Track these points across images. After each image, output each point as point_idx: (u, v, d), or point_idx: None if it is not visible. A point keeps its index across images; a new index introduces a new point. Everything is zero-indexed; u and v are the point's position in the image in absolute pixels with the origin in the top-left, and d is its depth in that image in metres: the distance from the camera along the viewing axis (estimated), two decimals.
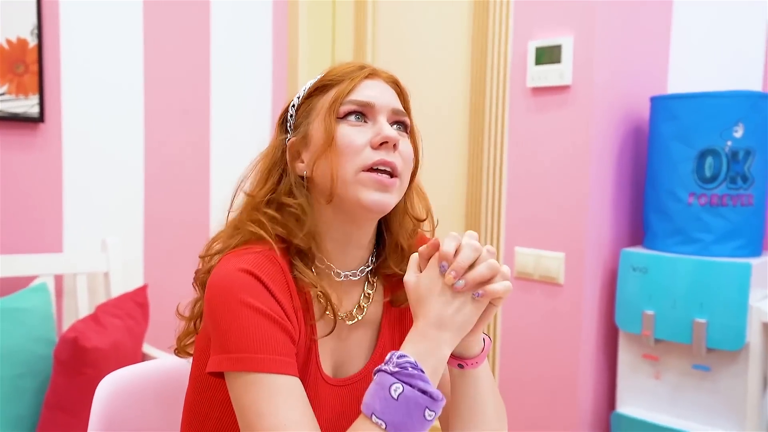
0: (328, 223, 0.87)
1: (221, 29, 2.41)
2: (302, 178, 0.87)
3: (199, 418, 0.90)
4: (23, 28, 1.92)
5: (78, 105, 2.09)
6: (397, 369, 0.71)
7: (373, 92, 0.85)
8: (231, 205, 0.90)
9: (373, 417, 0.70)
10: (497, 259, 0.79)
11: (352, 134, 0.83)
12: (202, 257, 0.90)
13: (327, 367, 0.88)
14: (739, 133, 1.67)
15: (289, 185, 0.86)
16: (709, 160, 1.70)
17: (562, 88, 1.83)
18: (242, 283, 0.77)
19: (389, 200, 0.83)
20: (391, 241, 0.92)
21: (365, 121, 0.84)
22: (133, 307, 1.94)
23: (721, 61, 1.94)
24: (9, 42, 1.90)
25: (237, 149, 2.42)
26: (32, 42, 1.94)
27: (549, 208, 1.88)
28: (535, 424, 1.92)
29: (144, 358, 1.96)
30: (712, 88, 1.86)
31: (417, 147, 0.92)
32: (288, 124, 0.90)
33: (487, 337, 0.86)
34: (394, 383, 0.70)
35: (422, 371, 0.72)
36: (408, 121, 0.89)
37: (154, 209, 2.28)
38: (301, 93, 0.90)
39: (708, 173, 1.70)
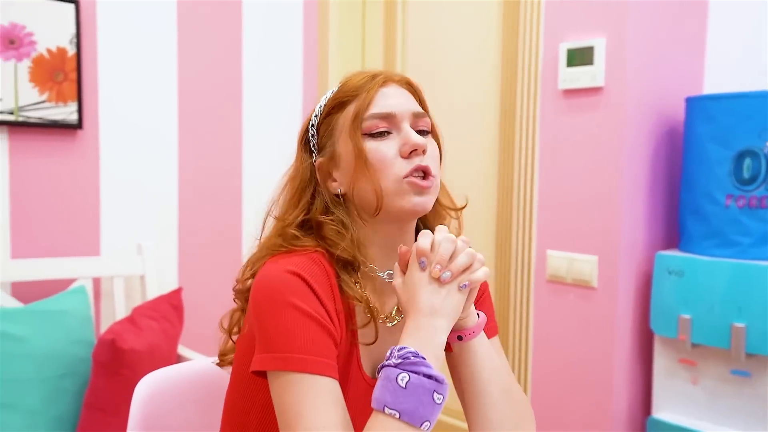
0: (371, 232, 0.89)
1: (253, 33, 2.44)
2: (337, 195, 0.89)
3: (240, 419, 0.91)
4: (62, 38, 1.98)
5: (114, 112, 2.14)
6: (400, 360, 0.74)
7: (392, 101, 0.87)
8: (263, 228, 0.92)
9: (386, 409, 0.72)
10: (483, 258, 0.84)
11: (382, 149, 0.85)
12: (237, 281, 0.92)
13: (368, 368, 0.89)
14: None
15: (324, 205, 0.89)
16: (747, 162, 1.67)
17: (594, 90, 1.81)
18: (288, 284, 0.79)
19: (429, 201, 0.87)
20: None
21: (390, 132, 0.86)
22: (168, 310, 1.98)
23: (759, 60, 1.91)
24: (49, 51, 1.96)
25: (269, 152, 2.45)
26: (71, 51, 1.99)
27: (581, 211, 1.86)
28: (568, 423, 1.90)
29: (179, 359, 2.00)
30: (750, 88, 1.82)
31: (439, 142, 0.94)
32: (311, 144, 0.92)
33: (481, 313, 0.89)
34: (399, 374, 0.73)
35: (424, 358, 0.74)
36: (429, 120, 0.91)
37: (188, 214, 2.32)
38: (318, 111, 0.92)
39: (746, 175, 1.67)
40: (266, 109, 2.49)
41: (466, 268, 0.81)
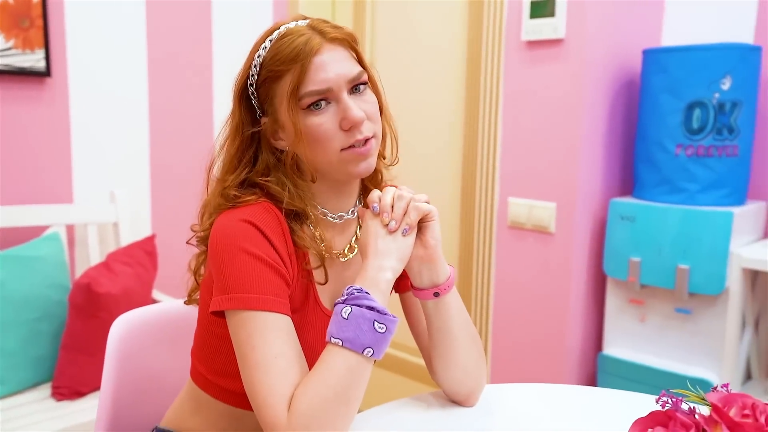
0: (318, 185, 0.95)
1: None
2: (283, 151, 0.94)
3: (209, 356, 0.99)
4: None
5: (83, 58, 2.13)
6: (346, 297, 0.83)
7: (327, 72, 0.87)
8: (207, 188, 0.97)
9: (332, 339, 0.81)
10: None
11: (321, 122, 0.88)
12: (193, 229, 0.99)
13: (326, 301, 0.97)
14: (726, 85, 1.71)
15: (265, 164, 0.93)
16: (697, 112, 1.74)
17: (555, 42, 1.86)
18: (241, 231, 0.86)
19: (372, 163, 0.92)
20: (373, 180, 1.03)
21: (328, 102, 0.88)
22: (142, 255, 2.03)
23: (714, 13, 1.97)
24: None
25: None
26: None
27: (542, 160, 1.94)
28: (526, 365, 2.03)
29: (153, 303, 2.06)
30: (706, 41, 1.89)
31: (378, 93, 0.96)
32: (253, 102, 0.94)
33: (451, 266, 0.96)
34: (344, 307, 0.82)
35: (367, 293, 0.83)
36: (366, 76, 0.92)
37: (159, 161, 2.35)
38: (254, 70, 0.91)
39: (695, 125, 1.75)
40: (236, 52, 2.49)
41: (405, 212, 0.89)
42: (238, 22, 2.49)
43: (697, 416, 0.66)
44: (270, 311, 0.84)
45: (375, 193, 0.91)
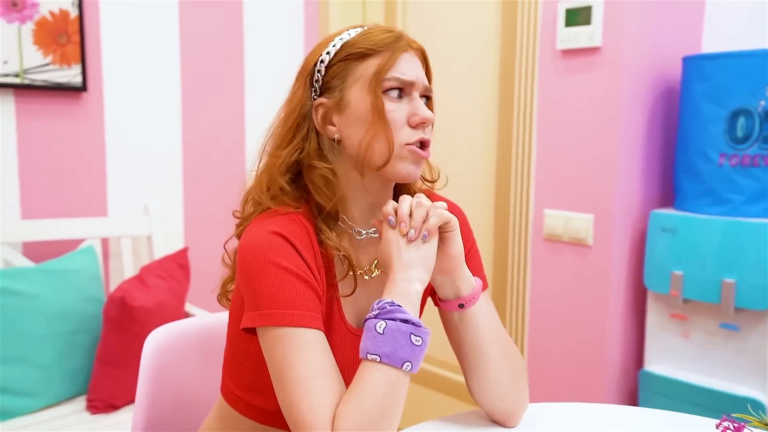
0: (356, 187, 0.92)
1: (254, 7, 2.44)
2: (332, 140, 0.91)
3: (237, 371, 0.97)
4: (64, 0, 1.99)
5: (118, 73, 2.16)
6: (378, 311, 0.80)
7: (412, 69, 0.90)
8: (260, 160, 0.95)
9: (368, 355, 0.78)
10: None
11: (395, 110, 0.88)
12: (237, 217, 0.96)
13: (351, 319, 0.94)
14: None
15: (317, 147, 0.91)
16: (741, 121, 1.69)
17: (592, 50, 1.82)
18: (271, 244, 0.84)
19: (419, 171, 0.92)
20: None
21: (401, 96, 0.90)
22: (175, 268, 2.03)
23: (757, 19, 1.91)
24: (52, 14, 1.97)
25: (271, 111, 2.47)
26: (73, 13, 2.01)
27: (578, 171, 1.89)
28: (564, 382, 1.97)
29: (186, 316, 2.06)
30: (748, 47, 1.83)
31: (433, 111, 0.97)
32: (314, 81, 0.92)
33: (477, 279, 0.93)
34: (377, 322, 0.79)
35: (399, 306, 0.80)
36: (432, 94, 0.95)
37: (192, 174, 2.36)
38: (332, 50, 0.91)
39: (740, 133, 1.69)
40: (269, 69, 2.51)
41: (424, 220, 0.86)
42: (269, 36, 2.50)
43: None
44: (305, 327, 0.81)
45: (390, 205, 0.88)
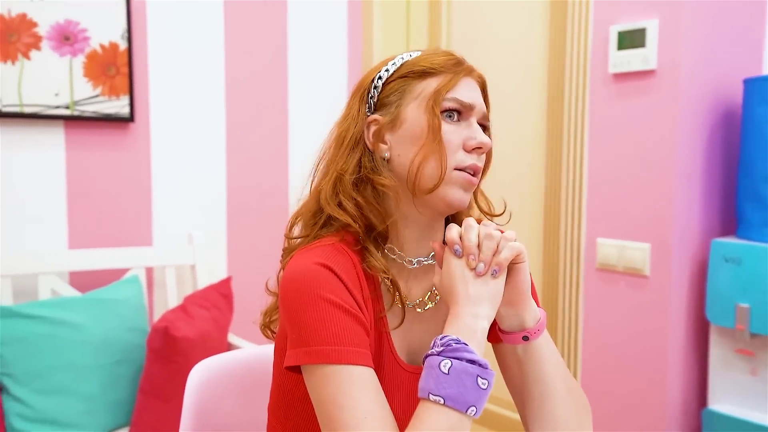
0: (406, 211, 0.88)
1: (298, 30, 2.45)
2: (383, 159, 0.87)
3: (283, 412, 0.92)
4: (114, 33, 2.02)
5: (164, 105, 2.18)
6: (442, 348, 0.74)
7: (472, 94, 0.87)
8: (313, 176, 0.92)
9: (430, 396, 0.72)
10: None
11: (451, 132, 0.85)
12: (286, 236, 0.93)
13: (402, 354, 0.89)
14: None
15: (372, 164, 0.87)
16: None
17: (646, 73, 1.76)
18: (316, 276, 0.79)
19: (468, 198, 0.87)
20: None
21: (461, 118, 0.87)
22: (218, 298, 2.01)
23: None
24: (102, 46, 2.01)
25: (314, 144, 2.46)
26: (123, 45, 2.04)
27: (633, 198, 1.82)
28: (621, 422, 1.87)
29: (229, 347, 2.03)
30: None
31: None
32: (371, 98, 0.89)
33: (541, 309, 0.88)
34: (442, 360, 0.73)
35: (466, 344, 0.74)
36: (489, 123, 0.92)
37: (235, 204, 2.35)
38: (391, 68, 0.89)
39: None
40: (312, 102, 2.51)
41: (495, 253, 0.80)
42: (314, 67, 2.51)
43: None
44: (354, 364, 0.76)
45: (455, 230, 0.82)
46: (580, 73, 1.90)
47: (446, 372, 0.72)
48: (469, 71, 0.89)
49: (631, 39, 1.77)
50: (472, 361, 0.73)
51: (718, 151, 1.84)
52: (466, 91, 0.86)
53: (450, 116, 0.85)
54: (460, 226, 0.86)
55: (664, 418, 1.78)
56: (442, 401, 0.72)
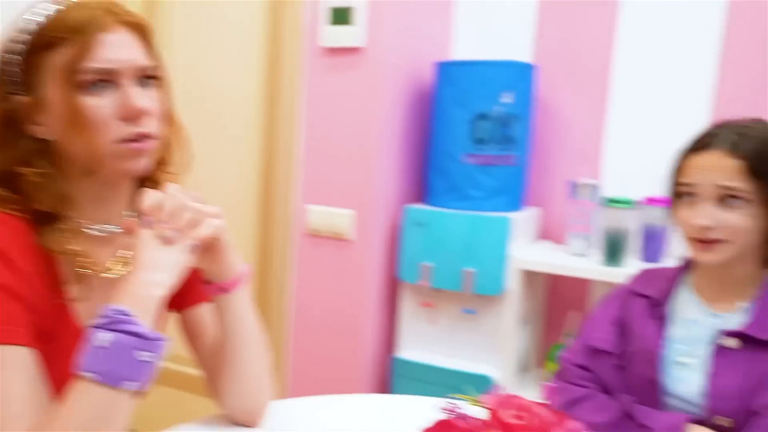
0: (82, 185, 0.83)
1: None
2: (43, 141, 0.80)
3: None
4: None
5: None
6: (102, 320, 0.71)
7: (114, 53, 0.78)
8: None
9: (84, 372, 0.70)
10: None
11: (98, 106, 0.77)
12: None
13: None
14: (508, 99, 1.85)
15: (25, 152, 0.79)
16: (482, 124, 1.86)
17: (355, 50, 1.87)
18: None
19: (146, 163, 0.83)
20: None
21: (109, 85, 0.78)
22: None
23: (500, 31, 2.11)
24: None
25: None
26: None
27: (341, 168, 1.94)
28: (327, 375, 2.01)
29: None
30: (493, 56, 2.02)
31: (167, 95, 0.87)
32: (11, 79, 0.79)
33: (244, 265, 0.90)
34: (98, 333, 0.70)
35: (128, 314, 0.71)
36: (157, 73, 0.84)
37: None
38: (20, 39, 0.78)
39: (480, 135, 1.86)
40: None
41: (192, 225, 0.79)
42: None
43: (474, 420, 0.68)
44: (4, 344, 0.71)
45: (149, 199, 0.78)
46: (296, 45, 1.96)
47: (101, 346, 0.70)
48: (109, 25, 0.78)
49: (342, 16, 1.87)
50: (135, 334, 0.71)
51: (414, 127, 2.05)
52: (105, 53, 0.77)
53: (95, 87, 0.77)
54: (153, 182, 0.84)
55: (360, 365, 1.97)
56: (92, 377, 0.69)
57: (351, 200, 1.93)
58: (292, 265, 2.05)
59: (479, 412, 0.68)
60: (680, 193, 0.99)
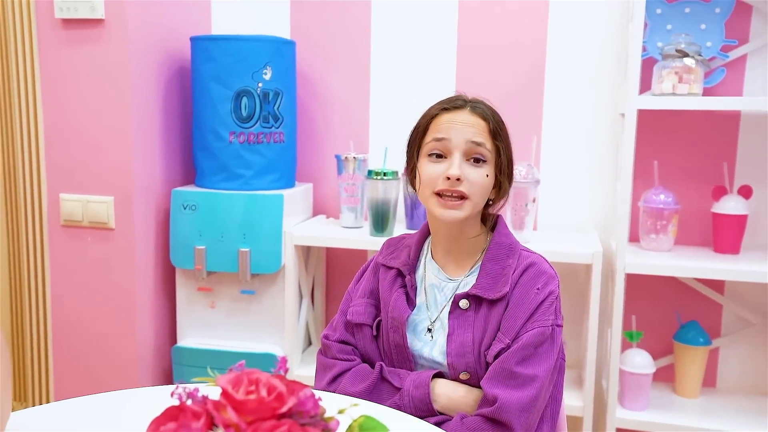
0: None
1: None
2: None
3: None
4: None
5: None
6: None
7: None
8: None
9: None
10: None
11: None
12: None
13: None
14: (268, 75, 1.82)
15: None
16: (245, 101, 1.82)
17: (95, 22, 1.72)
18: None
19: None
20: None
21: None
22: None
23: (257, 6, 2.08)
24: None
25: None
26: None
27: (93, 151, 1.79)
28: (97, 373, 1.87)
29: None
30: (251, 32, 1.98)
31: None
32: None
33: None
34: None
35: None
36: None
37: None
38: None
39: (244, 113, 1.82)
40: None
41: None
42: None
43: (209, 402, 0.66)
44: None
45: None
46: (25, 15, 1.75)
47: None
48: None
49: None
50: None
51: (175, 106, 1.95)
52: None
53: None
54: None
55: (137, 361, 1.85)
56: None
57: (109, 186, 1.79)
58: (47, 260, 1.85)
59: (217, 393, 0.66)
60: (428, 152, 1.04)
